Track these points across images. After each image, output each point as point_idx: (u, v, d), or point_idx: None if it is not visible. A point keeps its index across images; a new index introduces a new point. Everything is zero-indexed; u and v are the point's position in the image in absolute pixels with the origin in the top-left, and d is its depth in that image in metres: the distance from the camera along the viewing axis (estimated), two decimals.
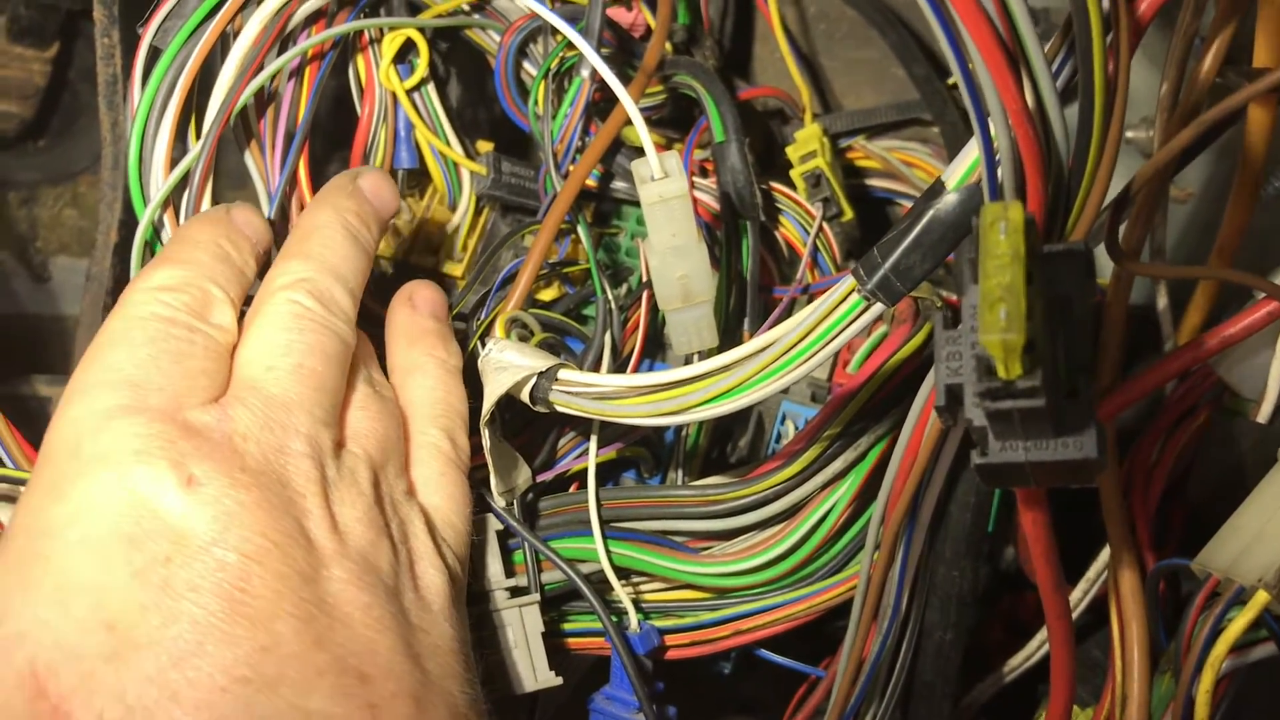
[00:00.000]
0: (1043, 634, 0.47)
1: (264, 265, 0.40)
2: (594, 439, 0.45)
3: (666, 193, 0.41)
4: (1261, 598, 0.34)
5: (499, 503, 0.44)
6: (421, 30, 0.48)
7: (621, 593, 0.45)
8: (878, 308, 0.34)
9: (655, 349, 0.50)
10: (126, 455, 0.32)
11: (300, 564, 0.32)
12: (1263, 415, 0.39)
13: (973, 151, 0.31)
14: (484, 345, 0.43)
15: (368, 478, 0.36)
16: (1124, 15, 0.27)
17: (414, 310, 0.43)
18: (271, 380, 0.35)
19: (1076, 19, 0.27)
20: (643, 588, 0.46)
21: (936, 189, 0.33)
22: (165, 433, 0.33)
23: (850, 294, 0.34)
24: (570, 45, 0.46)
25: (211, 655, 0.30)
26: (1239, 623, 0.35)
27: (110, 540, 0.31)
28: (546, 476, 0.46)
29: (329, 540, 0.34)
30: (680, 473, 0.48)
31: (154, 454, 0.32)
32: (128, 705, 0.29)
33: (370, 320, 0.46)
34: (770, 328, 0.37)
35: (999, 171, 0.28)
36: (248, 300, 0.39)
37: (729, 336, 0.49)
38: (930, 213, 0.32)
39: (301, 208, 0.46)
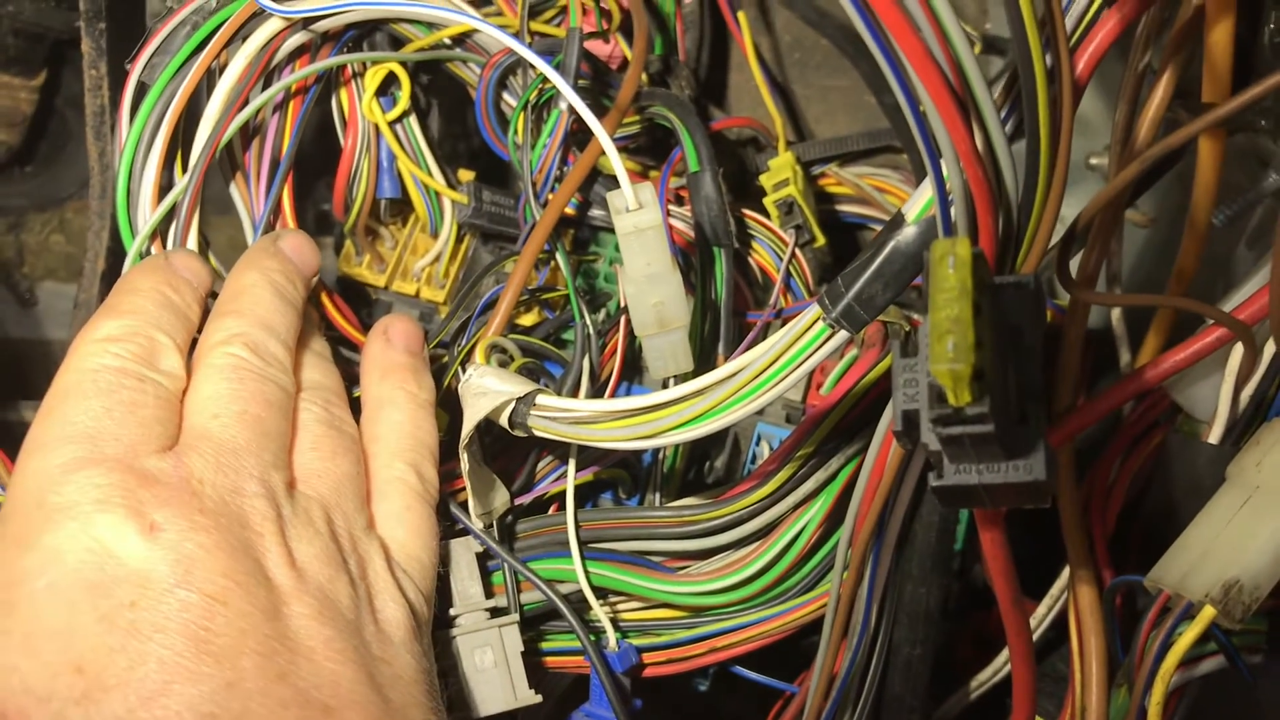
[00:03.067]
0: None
1: (207, 309, 0.42)
2: (572, 462, 0.46)
3: (641, 223, 0.43)
4: (1208, 613, 0.35)
5: (477, 525, 0.45)
6: (403, 64, 0.49)
7: (600, 612, 0.46)
8: (842, 335, 0.36)
9: (633, 372, 0.51)
10: (88, 505, 0.33)
11: (262, 601, 0.33)
12: (1214, 436, 0.40)
13: (929, 188, 0.32)
14: (464, 371, 0.44)
15: (322, 515, 0.38)
16: (1066, 71, 0.29)
17: (388, 344, 0.44)
18: (219, 427, 0.37)
19: (1022, 73, 0.28)
20: (620, 607, 0.47)
21: (897, 221, 0.34)
22: (124, 482, 0.34)
23: (816, 322, 0.36)
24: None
25: (179, 693, 0.31)
26: (1187, 637, 0.36)
27: (76, 587, 0.32)
28: (525, 499, 0.47)
29: (288, 577, 0.35)
30: (658, 494, 0.49)
31: (114, 503, 0.33)
32: None
33: (352, 349, 0.47)
34: (743, 352, 0.39)
35: (952, 209, 0.30)
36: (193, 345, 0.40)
37: (704, 361, 0.50)
38: (891, 244, 0.34)
39: None
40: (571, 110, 0.49)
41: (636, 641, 0.47)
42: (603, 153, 0.46)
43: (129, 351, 0.37)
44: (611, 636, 0.46)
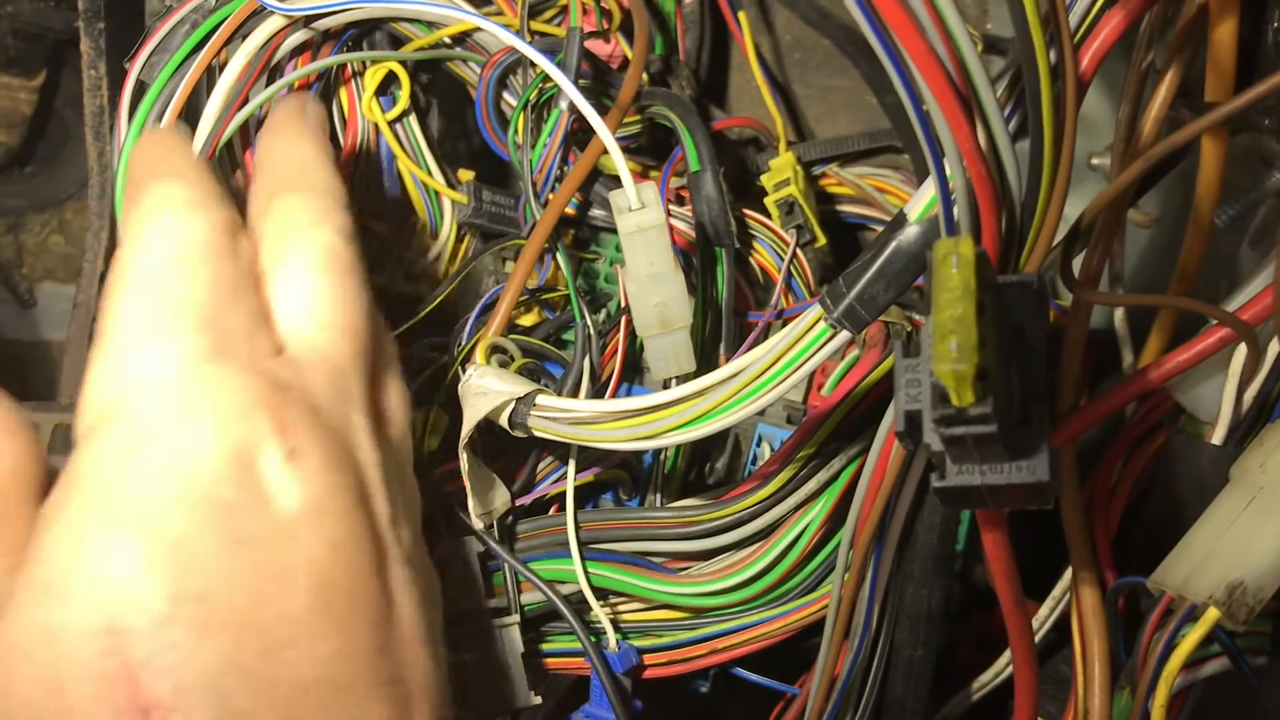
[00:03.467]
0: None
1: None
2: (572, 463, 0.46)
3: (644, 223, 0.43)
4: (1212, 614, 0.35)
5: (478, 525, 0.45)
6: (403, 63, 0.49)
7: (600, 613, 0.45)
8: (844, 335, 0.35)
9: (633, 373, 0.51)
10: (228, 411, 0.28)
11: (371, 560, 0.29)
12: (1217, 437, 0.40)
13: (932, 187, 0.32)
14: (464, 371, 0.44)
15: (398, 470, 0.33)
16: (1070, 69, 0.28)
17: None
18: (328, 342, 0.31)
19: (1026, 69, 0.28)
20: (621, 608, 0.47)
21: (899, 220, 0.34)
22: (263, 390, 0.29)
23: (817, 322, 0.36)
24: (549, 77, 0.48)
25: (300, 649, 0.27)
26: (1191, 639, 0.36)
27: (209, 503, 0.27)
28: (526, 500, 0.47)
29: (389, 533, 0.30)
30: (658, 495, 0.49)
31: (258, 414, 0.28)
32: (208, 683, 0.26)
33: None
34: (744, 353, 0.38)
35: (955, 208, 0.30)
36: None
37: (705, 361, 0.50)
38: (893, 244, 0.34)
39: None
40: (572, 109, 0.49)
41: (637, 643, 0.47)
42: (604, 152, 0.46)
43: (213, 223, 0.30)
44: (612, 637, 0.46)
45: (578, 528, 0.46)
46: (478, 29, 0.47)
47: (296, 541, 0.28)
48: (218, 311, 0.29)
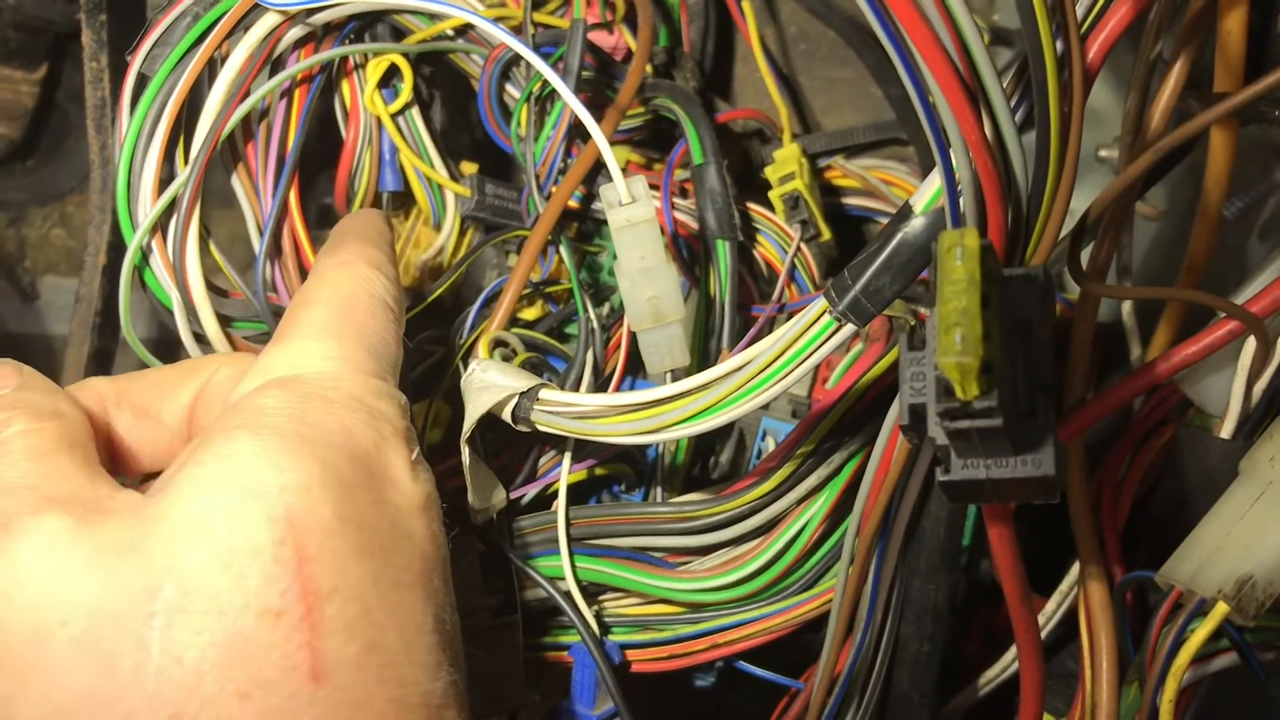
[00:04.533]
0: None
1: None
2: (567, 457, 0.46)
3: (634, 217, 0.42)
4: (1221, 609, 0.35)
5: (477, 520, 0.45)
6: (405, 55, 0.49)
7: (586, 610, 0.45)
8: (849, 328, 0.35)
9: (637, 366, 0.50)
10: (379, 412, 0.35)
11: (447, 561, 0.35)
12: (1226, 431, 0.40)
13: (938, 179, 0.32)
14: (466, 365, 0.44)
15: None
16: (1077, 60, 0.28)
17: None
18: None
19: (1032, 60, 0.28)
20: (620, 603, 0.47)
21: (905, 212, 0.34)
22: (399, 409, 0.36)
23: (822, 315, 0.35)
24: None
25: (416, 595, 0.32)
26: (1200, 633, 0.36)
27: (365, 464, 0.33)
28: (527, 492, 0.47)
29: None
30: (661, 489, 0.49)
31: (396, 424, 0.35)
32: (358, 592, 0.30)
33: None
34: (747, 346, 0.38)
35: (960, 200, 0.29)
36: None
37: (705, 355, 0.50)
38: (899, 236, 0.33)
39: (293, 235, 0.47)
40: None
41: (637, 637, 0.46)
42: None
43: (391, 285, 0.39)
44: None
45: (569, 523, 0.45)
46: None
47: (416, 521, 0.34)
48: (382, 342, 0.37)
